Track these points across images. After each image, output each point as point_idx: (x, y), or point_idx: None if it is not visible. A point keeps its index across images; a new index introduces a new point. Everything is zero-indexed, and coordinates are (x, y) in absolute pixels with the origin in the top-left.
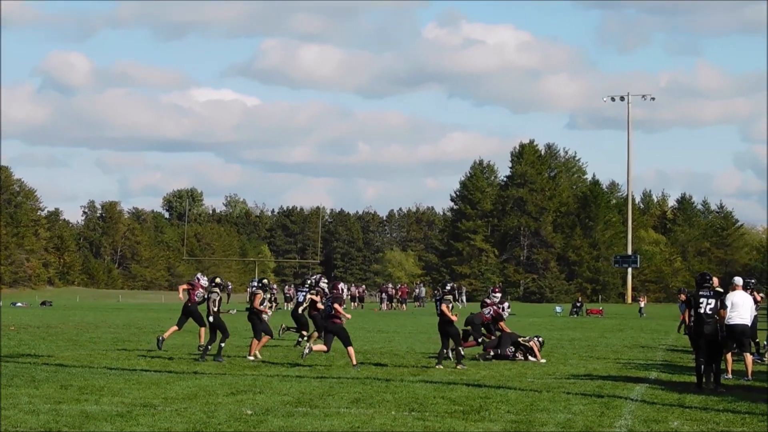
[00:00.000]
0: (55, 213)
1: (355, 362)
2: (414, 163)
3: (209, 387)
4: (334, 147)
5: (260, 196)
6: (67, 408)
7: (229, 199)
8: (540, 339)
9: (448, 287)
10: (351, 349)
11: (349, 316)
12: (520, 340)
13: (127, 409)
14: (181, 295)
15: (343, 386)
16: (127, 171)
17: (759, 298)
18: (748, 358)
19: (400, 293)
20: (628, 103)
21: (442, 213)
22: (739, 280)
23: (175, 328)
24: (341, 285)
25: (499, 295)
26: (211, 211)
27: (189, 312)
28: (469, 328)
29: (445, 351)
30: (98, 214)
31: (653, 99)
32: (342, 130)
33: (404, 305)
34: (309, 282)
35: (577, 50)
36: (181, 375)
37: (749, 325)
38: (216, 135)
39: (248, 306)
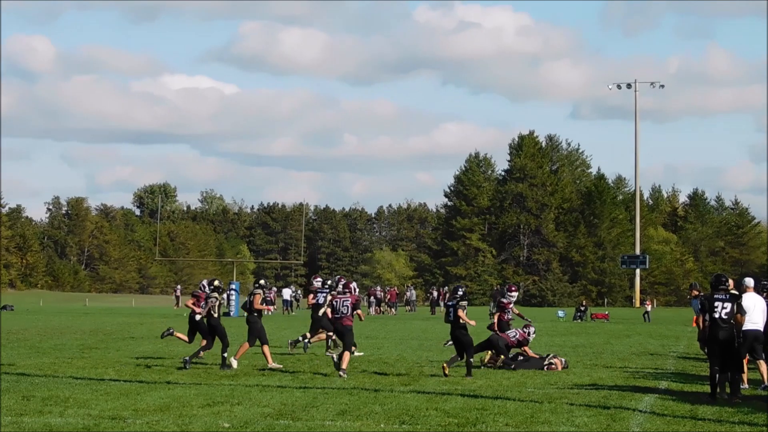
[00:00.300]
0: (17, 210)
1: (344, 367)
2: (405, 156)
3: (183, 398)
4: (318, 138)
5: (239, 192)
6: (30, 421)
7: (205, 194)
8: (564, 360)
9: (460, 292)
10: (348, 355)
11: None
12: (544, 365)
13: (94, 422)
14: (198, 311)
15: (329, 397)
16: (94, 165)
17: None
18: (763, 365)
19: (389, 296)
20: (635, 90)
21: (435, 210)
22: (750, 281)
23: (186, 339)
24: (353, 284)
25: (515, 294)
26: (185, 208)
27: (196, 324)
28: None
29: (459, 359)
30: (64, 211)
31: (662, 86)
32: (327, 120)
33: (394, 309)
34: (330, 283)
35: (580, 34)
36: (152, 385)
37: (762, 330)
38: (191, 125)
39: (247, 309)
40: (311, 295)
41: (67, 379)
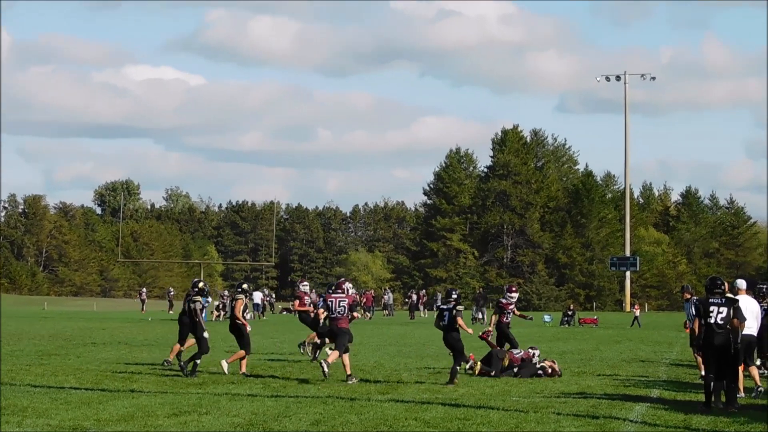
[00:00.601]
0: None
1: (349, 372)
2: (382, 151)
3: (148, 407)
4: (290, 133)
5: (206, 189)
6: None
7: (170, 192)
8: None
9: (455, 295)
10: (344, 357)
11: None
12: (538, 369)
13: None
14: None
15: (302, 406)
16: (53, 160)
17: None
18: (754, 370)
19: (365, 300)
20: (624, 83)
21: (413, 209)
22: (742, 283)
23: (191, 342)
24: (348, 284)
25: (515, 295)
26: (149, 207)
27: (184, 326)
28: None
29: (458, 367)
30: (20, 210)
31: (653, 78)
32: (299, 113)
33: (370, 314)
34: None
35: (567, 23)
36: (115, 393)
37: (755, 335)
38: (155, 119)
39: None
40: (297, 301)
41: (24, 388)
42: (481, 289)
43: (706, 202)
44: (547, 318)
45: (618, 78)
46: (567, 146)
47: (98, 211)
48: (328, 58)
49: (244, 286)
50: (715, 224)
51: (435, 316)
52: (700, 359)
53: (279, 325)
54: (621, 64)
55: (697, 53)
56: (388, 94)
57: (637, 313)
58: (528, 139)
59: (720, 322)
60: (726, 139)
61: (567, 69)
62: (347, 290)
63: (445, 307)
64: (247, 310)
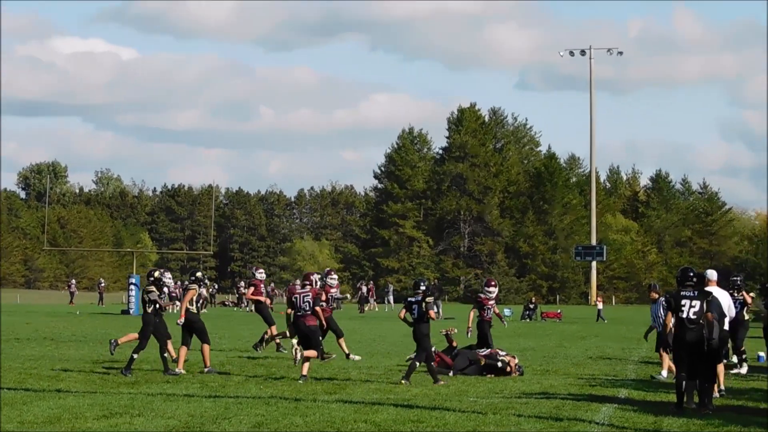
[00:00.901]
0: None
1: (305, 373)
2: (328, 131)
3: (76, 408)
4: (229, 111)
5: (139, 172)
6: None
7: (100, 175)
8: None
9: (423, 286)
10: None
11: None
12: (499, 359)
13: None
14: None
15: (242, 407)
16: None
17: (749, 299)
18: (721, 369)
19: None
20: (590, 58)
21: (363, 193)
22: (712, 274)
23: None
24: (315, 277)
25: (495, 290)
26: (77, 191)
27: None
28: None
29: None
30: None
31: (620, 53)
32: (239, 90)
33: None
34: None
35: None
36: (40, 393)
37: (727, 329)
38: (84, 95)
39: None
40: (252, 289)
41: None
42: (436, 281)
43: (678, 186)
44: (507, 312)
45: (583, 53)
46: (528, 126)
47: (22, 195)
48: (270, 30)
49: (198, 274)
50: (687, 211)
51: (402, 308)
52: (665, 356)
53: (219, 320)
54: (586, 38)
55: (667, 27)
56: (336, 69)
57: (600, 306)
58: (486, 119)
59: (692, 316)
60: (698, 118)
61: (528, 43)
62: (315, 282)
63: (413, 299)
64: (201, 301)
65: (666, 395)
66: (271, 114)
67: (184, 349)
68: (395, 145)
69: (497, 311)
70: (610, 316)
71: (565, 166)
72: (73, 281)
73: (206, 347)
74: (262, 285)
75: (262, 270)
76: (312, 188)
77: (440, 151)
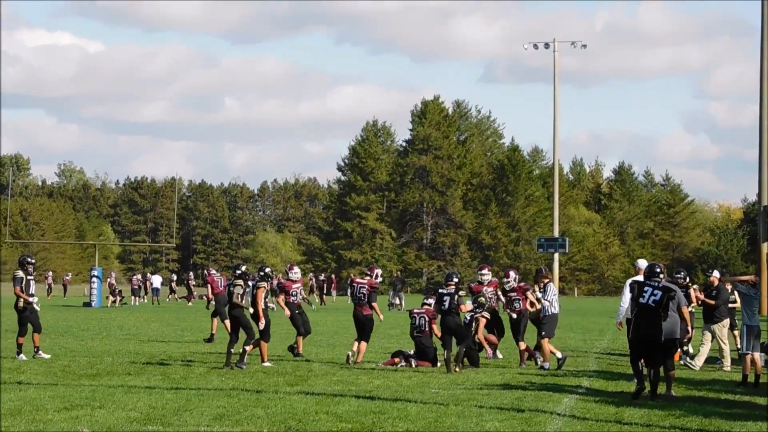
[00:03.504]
0: None
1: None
2: (293, 123)
3: (37, 400)
4: (195, 103)
5: (102, 164)
6: None
7: (63, 167)
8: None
9: (456, 279)
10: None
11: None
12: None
13: None
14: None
15: (204, 399)
16: None
17: (693, 297)
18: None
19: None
20: (554, 51)
21: (327, 186)
22: (642, 263)
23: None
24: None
25: (488, 274)
26: (40, 183)
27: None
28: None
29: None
30: None
31: (584, 46)
32: (205, 81)
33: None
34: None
35: None
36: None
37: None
38: (48, 87)
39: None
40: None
41: None
42: (398, 273)
43: (641, 178)
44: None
45: (547, 45)
46: (492, 119)
47: None
48: (236, 22)
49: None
50: (650, 202)
51: (434, 302)
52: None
53: (180, 312)
54: (553, 31)
55: (632, 19)
56: (302, 61)
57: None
58: (450, 111)
59: (651, 304)
60: (662, 110)
61: (493, 35)
62: (377, 276)
63: (445, 291)
64: (267, 297)
65: (627, 385)
66: (237, 106)
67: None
68: (359, 138)
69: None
70: (572, 307)
71: (529, 158)
72: (50, 273)
73: (264, 344)
74: (293, 286)
75: (296, 269)
76: (275, 180)
77: (404, 144)
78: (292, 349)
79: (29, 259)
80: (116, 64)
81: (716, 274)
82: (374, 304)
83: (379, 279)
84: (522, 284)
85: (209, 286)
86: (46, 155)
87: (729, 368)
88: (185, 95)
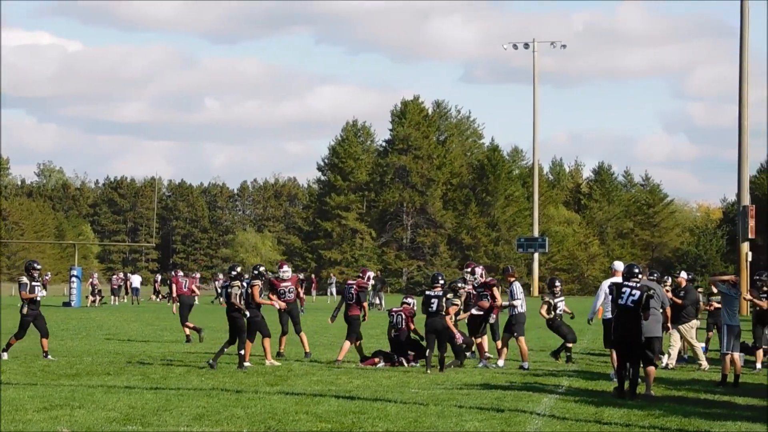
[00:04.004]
0: None
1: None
2: (273, 123)
3: (16, 400)
4: (174, 103)
5: (82, 164)
6: None
7: (42, 167)
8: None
9: (442, 281)
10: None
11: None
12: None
13: None
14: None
15: (183, 399)
16: None
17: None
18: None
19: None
20: (533, 51)
21: (306, 185)
22: (619, 265)
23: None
24: (262, 268)
25: (480, 271)
26: (19, 183)
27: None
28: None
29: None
30: None
31: (564, 47)
32: (185, 81)
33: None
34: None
35: None
36: None
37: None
38: (28, 87)
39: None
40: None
41: None
42: (378, 273)
43: (620, 178)
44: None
45: (526, 46)
46: (472, 119)
47: None
48: (216, 22)
49: (261, 268)
50: (629, 202)
51: (421, 303)
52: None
53: (160, 312)
54: (532, 31)
55: (612, 19)
56: (281, 61)
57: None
58: (430, 111)
59: (630, 304)
60: (641, 111)
61: (473, 36)
62: (368, 278)
63: (432, 293)
64: (262, 295)
65: (607, 385)
66: (217, 106)
67: (284, 338)
68: (339, 137)
69: (498, 299)
70: None
71: (508, 158)
72: (49, 274)
73: (267, 340)
74: (282, 284)
75: (287, 268)
76: (255, 180)
77: (383, 144)
78: (279, 354)
79: (35, 265)
80: (96, 63)
81: (684, 275)
82: (364, 304)
83: (371, 282)
84: (489, 279)
85: (173, 285)
86: (25, 155)
87: (707, 367)
88: (165, 95)
